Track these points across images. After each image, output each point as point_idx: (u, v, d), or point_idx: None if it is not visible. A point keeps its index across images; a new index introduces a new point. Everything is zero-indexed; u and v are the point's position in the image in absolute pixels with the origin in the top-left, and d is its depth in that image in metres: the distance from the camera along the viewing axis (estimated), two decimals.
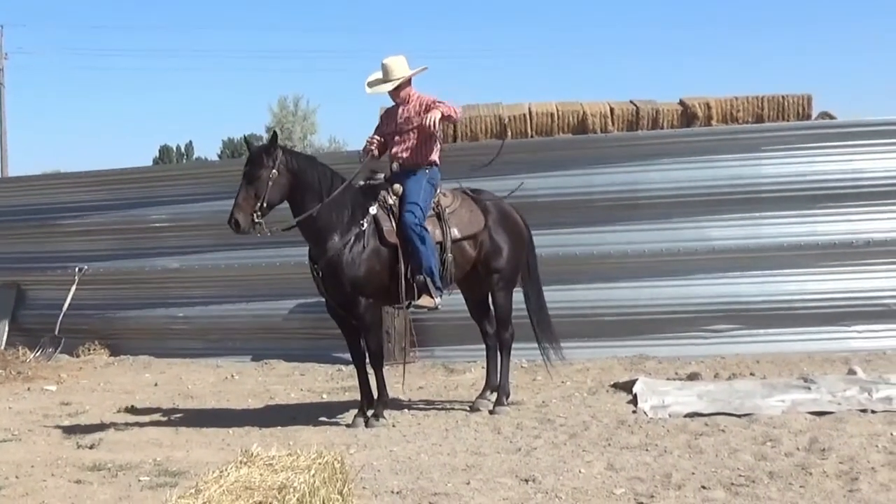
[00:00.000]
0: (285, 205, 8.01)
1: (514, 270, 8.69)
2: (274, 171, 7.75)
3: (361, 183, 8.39)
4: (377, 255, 8.04)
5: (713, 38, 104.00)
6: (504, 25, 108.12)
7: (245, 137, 8.06)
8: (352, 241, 7.95)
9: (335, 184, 8.05)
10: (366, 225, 8.01)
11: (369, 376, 8.28)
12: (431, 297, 8.10)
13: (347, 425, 8.09)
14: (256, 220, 7.73)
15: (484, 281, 8.61)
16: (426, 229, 8.08)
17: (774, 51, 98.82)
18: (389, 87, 8.34)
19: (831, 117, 11.94)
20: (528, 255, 8.91)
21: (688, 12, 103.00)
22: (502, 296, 8.61)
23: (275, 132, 8.13)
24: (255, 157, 7.85)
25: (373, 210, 8.08)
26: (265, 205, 7.75)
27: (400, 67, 8.38)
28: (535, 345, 9.00)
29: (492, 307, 8.73)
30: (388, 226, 8.07)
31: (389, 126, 8.49)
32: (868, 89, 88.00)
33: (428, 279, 8.04)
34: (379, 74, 8.42)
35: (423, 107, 8.30)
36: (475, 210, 8.51)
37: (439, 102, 8.27)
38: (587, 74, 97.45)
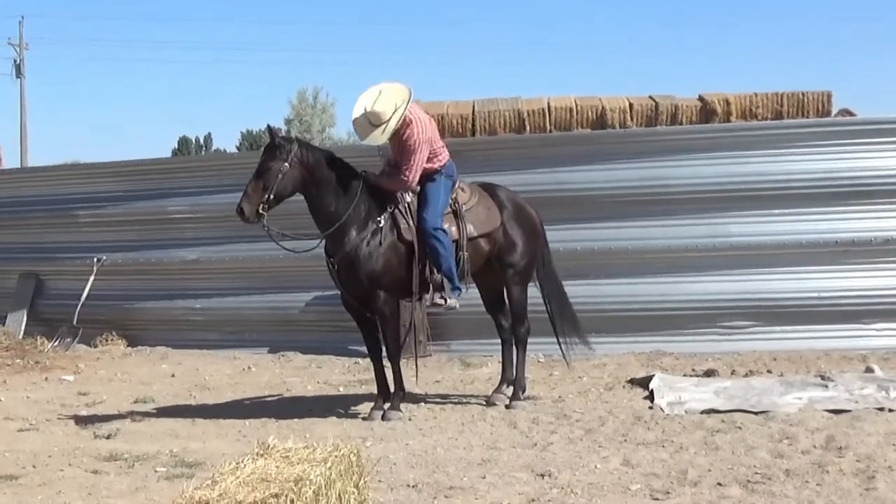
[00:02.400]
0: (298, 199, 8.03)
1: (528, 265, 8.67)
2: (285, 164, 7.79)
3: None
4: (394, 250, 8.05)
5: (733, 34, 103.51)
6: (522, 20, 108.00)
7: (269, 126, 8.02)
8: (369, 236, 7.97)
9: (351, 180, 8.06)
10: (383, 221, 8.02)
11: (386, 369, 8.29)
12: (446, 297, 8.10)
13: (364, 418, 8.11)
14: (261, 212, 7.79)
15: (499, 275, 8.60)
16: (445, 231, 8.08)
17: (794, 47, 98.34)
18: (383, 138, 8.13)
19: (851, 114, 11.86)
20: (542, 249, 8.87)
21: (707, 7, 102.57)
22: (517, 290, 8.60)
23: (269, 126, 8.07)
24: (269, 148, 7.91)
25: (390, 207, 8.10)
26: (272, 196, 7.79)
27: (387, 108, 7.98)
28: (552, 339, 8.96)
29: (507, 301, 8.73)
30: (405, 223, 8.07)
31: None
32: (889, 86, 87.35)
33: (445, 280, 8.05)
34: (368, 102, 8.06)
35: (406, 140, 8.02)
36: (492, 207, 8.49)
37: (415, 152, 7.97)
38: (606, 69, 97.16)
